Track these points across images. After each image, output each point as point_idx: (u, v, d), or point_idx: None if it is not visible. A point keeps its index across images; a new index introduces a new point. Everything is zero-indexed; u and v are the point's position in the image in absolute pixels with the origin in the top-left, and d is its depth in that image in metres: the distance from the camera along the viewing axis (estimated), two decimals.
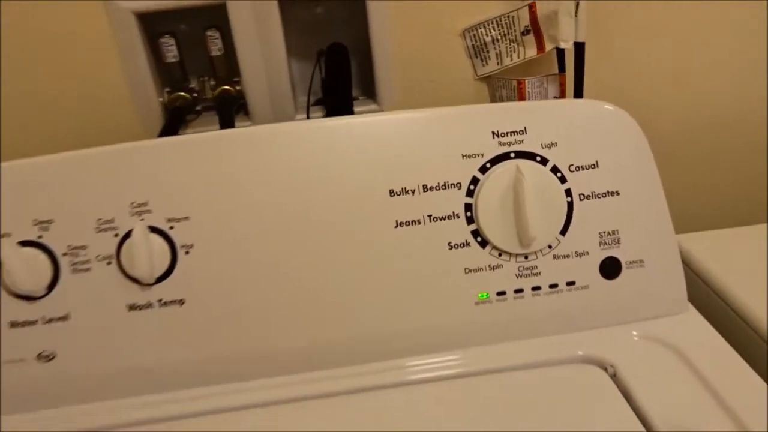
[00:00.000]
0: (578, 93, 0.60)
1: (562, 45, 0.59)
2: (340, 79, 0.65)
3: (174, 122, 0.61)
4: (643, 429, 0.40)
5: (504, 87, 0.63)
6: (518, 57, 0.62)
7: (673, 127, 0.70)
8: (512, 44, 0.61)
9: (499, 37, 0.62)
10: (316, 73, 0.66)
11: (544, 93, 0.61)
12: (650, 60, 0.67)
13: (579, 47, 0.59)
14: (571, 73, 0.61)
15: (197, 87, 0.65)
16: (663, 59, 0.67)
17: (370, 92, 0.67)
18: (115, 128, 0.62)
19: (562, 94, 0.61)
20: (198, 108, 0.65)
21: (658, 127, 0.69)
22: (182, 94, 0.63)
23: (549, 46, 0.60)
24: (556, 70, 0.62)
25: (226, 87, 0.64)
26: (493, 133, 0.45)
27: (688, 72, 0.68)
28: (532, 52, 0.61)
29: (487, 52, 0.63)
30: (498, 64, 0.63)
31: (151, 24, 0.61)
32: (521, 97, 0.62)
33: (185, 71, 0.64)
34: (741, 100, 0.71)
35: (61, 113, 0.61)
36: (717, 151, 0.72)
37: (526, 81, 0.61)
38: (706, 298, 0.54)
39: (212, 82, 0.65)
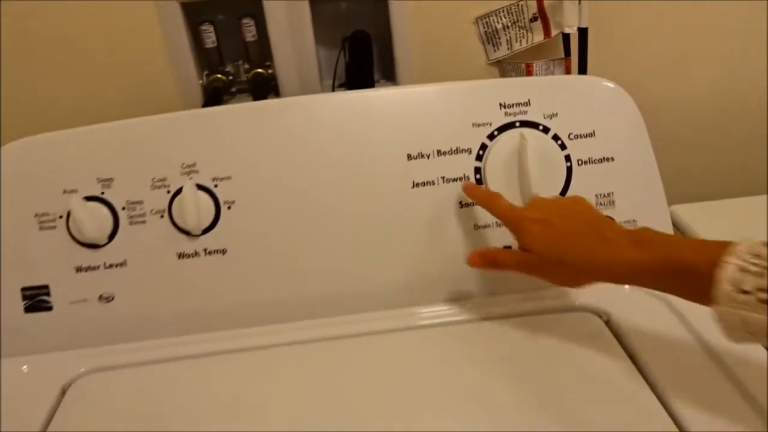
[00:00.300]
0: (582, 73, 0.65)
1: (567, 30, 0.64)
2: (363, 63, 0.70)
3: (212, 102, 0.68)
4: (634, 367, 0.45)
5: (514, 70, 0.69)
6: (527, 42, 0.67)
7: (674, 105, 0.75)
8: (521, 30, 0.67)
9: (509, 24, 0.67)
10: (341, 59, 0.72)
11: (550, 75, 0.67)
12: (651, 44, 0.71)
13: (582, 32, 0.64)
14: (575, 57, 0.66)
15: (232, 70, 0.71)
16: (663, 43, 0.72)
17: (390, 76, 0.73)
18: (160, 107, 0.68)
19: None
20: (233, 90, 0.71)
21: (659, 106, 0.74)
22: (219, 76, 0.69)
23: (555, 32, 0.65)
24: (562, 54, 0.67)
25: (259, 70, 0.70)
26: (500, 104, 0.50)
27: (689, 55, 0.73)
28: (539, 37, 0.66)
29: (499, 38, 0.68)
30: (508, 49, 0.68)
31: (193, 13, 0.67)
32: None
33: (222, 56, 0.70)
34: (742, 82, 0.75)
35: (113, 93, 0.68)
36: (717, 130, 0.77)
37: (534, 64, 0.67)
38: None
39: (246, 66, 0.71)
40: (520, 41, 0.67)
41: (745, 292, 0.31)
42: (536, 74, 0.67)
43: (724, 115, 0.77)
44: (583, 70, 0.65)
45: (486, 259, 0.47)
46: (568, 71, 0.67)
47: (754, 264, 0.31)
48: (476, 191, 0.48)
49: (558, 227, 0.41)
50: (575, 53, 0.66)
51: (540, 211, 0.43)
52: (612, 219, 0.41)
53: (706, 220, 0.62)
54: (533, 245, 0.42)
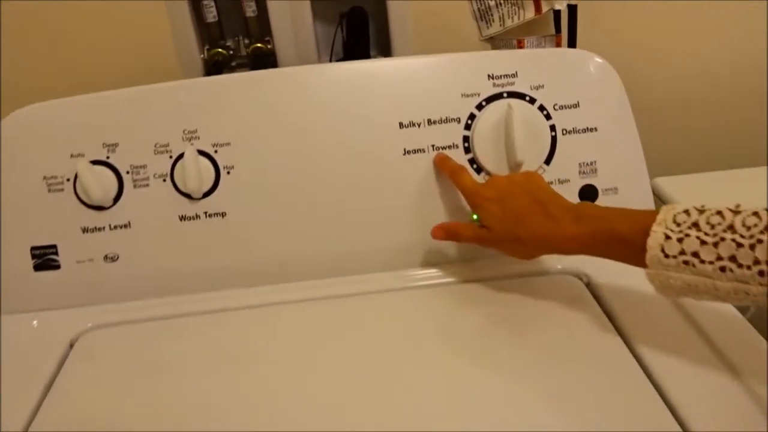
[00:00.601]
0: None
1: (557, 6, 0.66)
2: (360, 39, 0.72)
3: (213, 75, 0.70)
4: (611, 326, 0.47)
5: (506, 46, 0.71)
6: (519, 19, 0.69)
7: (662, 80, 0.77)
8: (513, 7, 0.69)
9: (501, 2, 0.69)
10: (338, 35, 0.74)
11: None
12: (641, 20, 0.73)
13: (572, 9, 0.66)
14: (566, 33, 0.68)
15: (233, 45, 0.73)
16: (653, 20, 0.74)
17: (386, 52, 0.75)
18: (163, 80, 0.71)
19: None
20: (233, 64, 0.74)
21: (647, 81, 0.76)
22: (220, 50, 0.72)
23: (545, 8, 0.67)
24: (553, 31, 0.69)
25: (259, 45, 0.72)
26: (489, 75, 0.53)
27: (678, 32, 0.75)
28: (530, 14, 0.68)
29: (491, 15, 0.70)
30: (501, 25, 0.70)
31: None
32: None
33: (223, 31, 0.72)
34: (731, 59, 0.77)
35: (118, 64, 0.70)
36: (704, 106, 0.79)
37: (525, 40, 0.69)
38: None
39: (246, 41, 0.73)
40: (512, 18, 0.69)
41: (668, 256, 0.36)
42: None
43: (712, 91, 0.79)
44: (572, 45, 0.67)
45: (447, 232, 0.51)
46: (558, 47, 0.69)
47: (675, 231, 0.36)
48: (444, 163, 0.52)
49: (510, 206, 0.45)
50: (566, 29, 0.68)
51: (494, 191, 0.47)
52: (558, 195, 0.44)
53: (688, 193, 0.64)
54: (489, 223, 0.47)
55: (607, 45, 0.74)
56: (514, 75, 0.53)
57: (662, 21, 0.74)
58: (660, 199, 0.63)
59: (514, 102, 0.52)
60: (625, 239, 0.39)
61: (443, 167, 0.52)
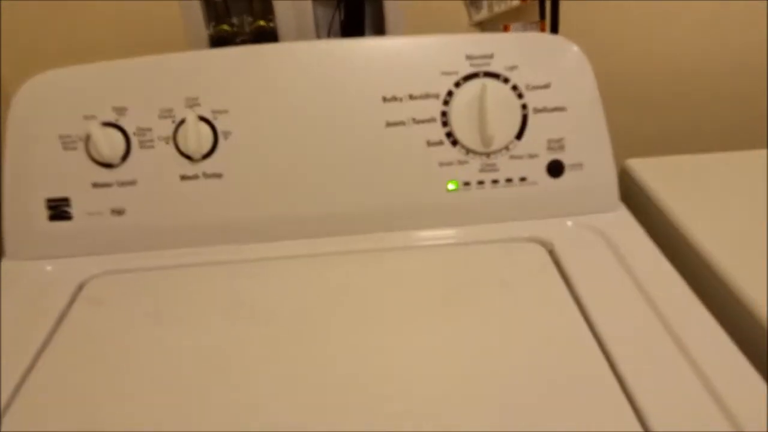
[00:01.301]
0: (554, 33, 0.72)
1: None
2: (356, 21, 0.77)
3: None
4: (567, 292, 0.51)
5: (493, 31, 0.75)
6: (506, 5, 0.73)
7: (643, 65, 0.81)
8: None
9: None
10: (336, 16, 0.78)
11: None
12: (623, 8, 0.77)
13: None
14: (549, 19, 0.72)
15: (237, 23, 0.78)
16: (636, 6, 0.77)
17: (381, 34, 0.80)
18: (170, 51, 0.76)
19: None
20: (237, 40, 0.78)
21: (627, 66, 0.80)
22: (225, 27, 0.76)
23: None
24: (538, 18, 0.73)
25: (261, 23, 0.77)
26: (467, 56, 0.57)
27: (662, 18, 0.78)
28: (517, 1, 0.72)
29: (480, 1, 0.74)
30: (489, 11, 0.74)
31: None
32: None
33: (228, 9, 0.77)
34: (713, 43, 0.81)
35: (129, 37, 0.75)
36: (688, 89, 0.83)
37: (511, 26, 0.73)
38: (643, 206, 0.65)
39: (250, 19, 0.78)
40: (500, 4, 0.74)
41: None
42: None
43: (693, 77, 0.83)
44: (554, 30, 0.72)
45: None
46: (542, 32, 0.73)
47: None
48: None
49: None
50: (549, 16, 0.72)
51: None
52: None
53: (660, 175, 0.68)
54: None
55: (590, 29, 0.78)
56: (491, 56, 0.57)
57: (648, 7, 0.78)
58: (632, 183, 0.67)
59: (489, 81, 0.57)
60: None
61: None
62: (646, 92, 0.82)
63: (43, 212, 0.57)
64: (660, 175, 0.67)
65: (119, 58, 0.58)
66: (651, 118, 0.84)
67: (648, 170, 0.69)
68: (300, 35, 0.77)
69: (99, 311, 0.52)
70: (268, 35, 0.77)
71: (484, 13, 0.75)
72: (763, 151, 0.69)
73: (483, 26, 0.76)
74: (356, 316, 0.49)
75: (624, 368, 0.42)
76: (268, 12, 0.76)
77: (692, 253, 0.56)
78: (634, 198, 0.66)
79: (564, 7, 0.74)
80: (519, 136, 0.58)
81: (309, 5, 0.75)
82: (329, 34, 0.78)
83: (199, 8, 0.75)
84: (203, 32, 0.75)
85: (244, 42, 0.78)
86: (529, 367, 0.43)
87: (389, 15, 0.77)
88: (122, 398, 0.43)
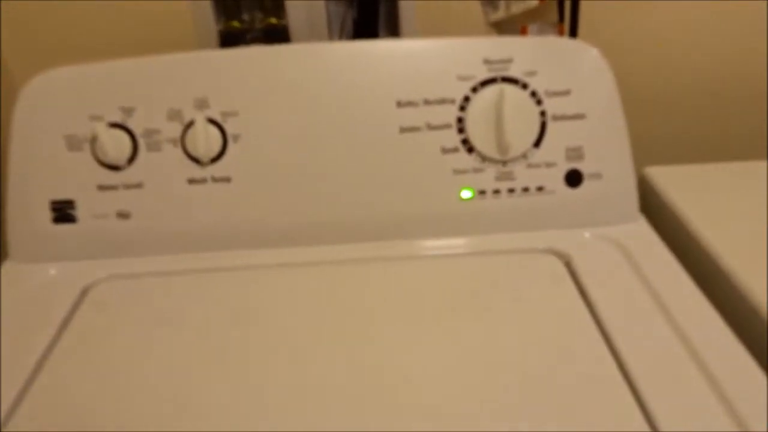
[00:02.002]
0: (573, 37, 0.70)
1: None
2: (369, 19, 0.75)
3: (227, 47, 0.73)
4: (584, 306, 0.50)
5: (511, 31, 0.73)
6: (523, 5, 0.71)
7: (663, 71, 0.79)
8: None
9: None
10: (349, 15, 0.76)
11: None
12: (646, 11, 0.75)
13: None
14: (568, 21, 0.70)
15: (248, 19, 0.76)
16: (657, 12, 0.75)
17: (395, 33, 0.78)
18: (179, 49, 0.74)
19: None
20: (248, 38, 0.77)
21: (648, 71, 0.78)
22: (235, 23, 0.75)
23: None
24: (556, 18, 0.71)
25: (272, 20, 0.75)
26: (484, 60, 0.55)
27: (683, 23, 0.76)
28: (534, 1, 0.70)
29: (497, 0, 0.72)
30: (506, 11, 0.72)
31: None
32: None
33: (239, 5, 0.75)
34: (734, 51, 0.78)
35: (138, 31, 0.74)
36: (706, 97, 0.81)
37: (529, 27, 0.71)
38: (662, 216, 0.63)
39: (261, 16, 0.76)
40: (518, 4, 0.72)
41: None
42: (530, 36, 0.71)
43: (714, 83, 0.81)
44: (573, 33, 0.69)
45: None
46: (560, 35, 0.71)
47: None
48: None
49: None
50: (568, 18, 0.70)
51: None
52: None
53: (680, 184, 0.66)
54: None
55: (613, 33, 0.76)
56: (510, 60, 0.55)
57: (669, 10, 0.76)
58: (650, 191, 0.65)
59: (507, 86, 0.55)
60: None
61: None
62: (669, 96, 0.80)
63: (48, 214, 0.56)
64: (680, 185, 0.66)
65: (127, 56, 0.57)
66: (673, 123, 0.82)
67: (668, 179, 0.67)
68: (312, 33, 0.75)
69: (103, 316, 0.51)
70: (279, 33, 0.75)
71: (500, 13, 0.73)
72: None
73: (499, 26, 0.74)
74: (367, 325, 0.48)
75: (641, 384, 0.41)
76: (279, 9, 0.75)
77: (711, 265, 0.55)
78: (653, 207, 0.64)
79: (584, 7, 0.72)
80: (537, 143, 0.56)
81: (321, 3, 0.73)
82: (342, 32, 0.76)
83: (209, 4, 0.73)
84: (213, 28, 0.74)
85: (254, 39, 0.77)
86: (540, 378, 0.42)
87: (403, 13, 0.75)
88: (126, 404, 0.42)
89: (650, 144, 0.66)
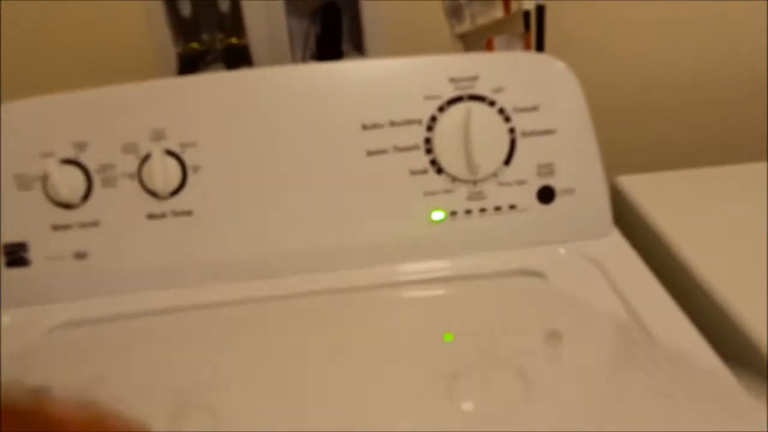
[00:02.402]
0: (539, 49, 0.68)
1: (526, 6, 0.67)
2: (333, 35, 0.73)
3: (187, 70, 0.71)
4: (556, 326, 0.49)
5: (476, 44, 0.72)
6: (489, 17, 0.70)
7: (632, 79, 0.78)
8: (483, 6, 0.70)
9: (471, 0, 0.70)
10: (311, 30, 0.74)
11: (510, 50, 0.70)
12: (611, 20, 0.75)
13: (540, 9, 0.67)
14: (534, 32, 0.69)
15: (208, 40, 0.74)
16: (624, 19, 0.75)
17: (359, 47, 0.76)
18: (137, 74, 0.72)
19: (526, 51, 0.70)
20: (208, 59, 0.74)
21: (617, 80, 0.77)
22: (195, 45, 0.72)
23: (515, 8, 0.68)
24: (522, 30, 0.70)
25: (233, 40, 0.73)
26: (450, 78, 0.54)
27: (650, 29, 0.76)
28: (499, 13, 0.69)
29: (462, 12, 0.71)
30: (471, 23, 0.71)
31: None
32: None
33: (198, 26, 0.73)
34: (707, 55, 0.78)
35: (92, 56, 0.71)
36: (676, 103, 0.80)
37: (495, 38, 0.70)
38: (635, 226, 0.62)
39: (221, 36, 0.74)
40: (483, 16, 0.70)
41: None
42: (496, 49, 0.70)
43: (683, 89, 0.80)
44: (540, 45, 0.68)
45: None
46: (527, 46, 0.70)
47: None
48: None
49: None
50: (534, 28, 0.69)
51: None
52: None
53: (651, 193, 0.65)
54: None
55: (579, 42, 0.75)
56: (476, 78, 0.54)
57: (637, 16, 0.75)
58: (622, 199, 0.64)
59: (475, 105, 0.53)
60: None
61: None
62: (639, 103, 0.79)
63: None
64: (651, 193, 0.65)
65: (84, 84, 0.54)
66: (643, 130, 0.81)
67: (640, 188, 0.66)
68: (274, 51, 0.73)
69: (59, 367, 0.48)
70: (240, 53, 0.73)
71: (466, 25, 0.71)
72: (762, 165, 0.67)
73: (465, 38, 0.73)
74: (350, 365, 0.46)
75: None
76: (239, 28, 0.72)
77: (683, 273, 0.54)
78: (626, 217, 0.64)
79: (550, 15, 0.70)
80: (507, 161, 0.54)
81: (283, 20, 0.71)
82: (305, 50, 0.74)
83: (166, 24, 0.71)
84: (171, 51, 0.71)
85: (214, 60, 0.74)
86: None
87: (368, 27, 0.73)
88: None
89: (621, 153, 0.65)
